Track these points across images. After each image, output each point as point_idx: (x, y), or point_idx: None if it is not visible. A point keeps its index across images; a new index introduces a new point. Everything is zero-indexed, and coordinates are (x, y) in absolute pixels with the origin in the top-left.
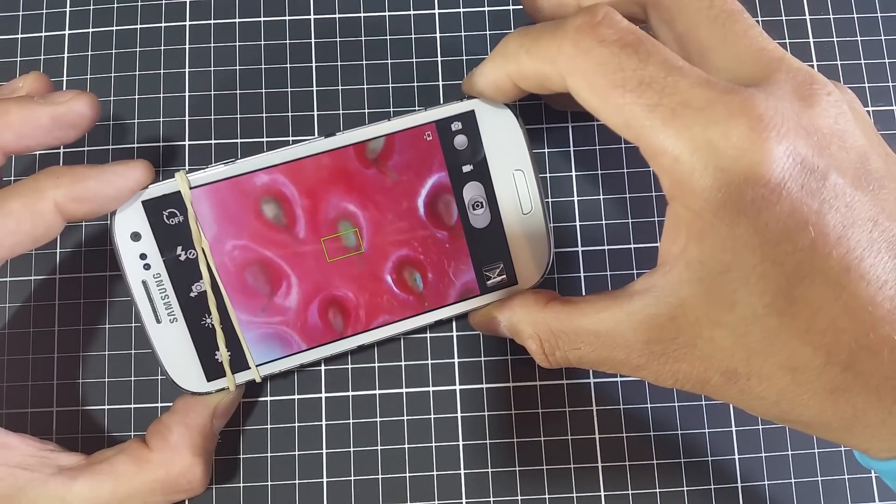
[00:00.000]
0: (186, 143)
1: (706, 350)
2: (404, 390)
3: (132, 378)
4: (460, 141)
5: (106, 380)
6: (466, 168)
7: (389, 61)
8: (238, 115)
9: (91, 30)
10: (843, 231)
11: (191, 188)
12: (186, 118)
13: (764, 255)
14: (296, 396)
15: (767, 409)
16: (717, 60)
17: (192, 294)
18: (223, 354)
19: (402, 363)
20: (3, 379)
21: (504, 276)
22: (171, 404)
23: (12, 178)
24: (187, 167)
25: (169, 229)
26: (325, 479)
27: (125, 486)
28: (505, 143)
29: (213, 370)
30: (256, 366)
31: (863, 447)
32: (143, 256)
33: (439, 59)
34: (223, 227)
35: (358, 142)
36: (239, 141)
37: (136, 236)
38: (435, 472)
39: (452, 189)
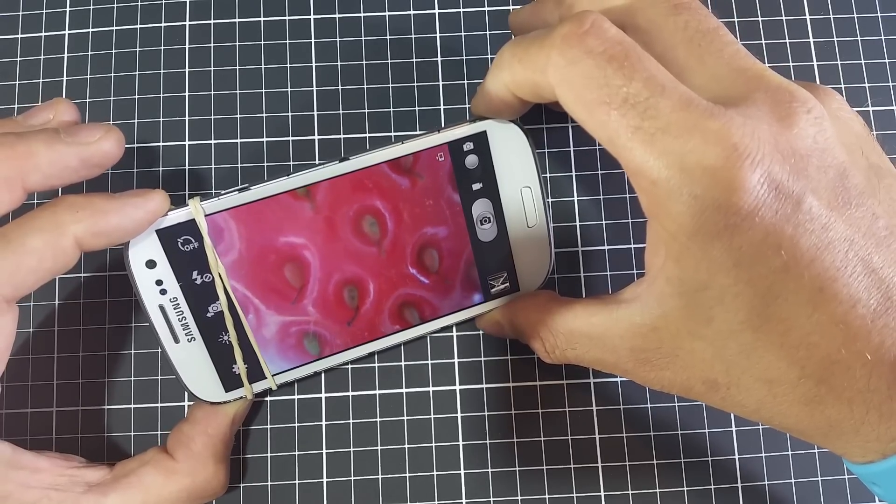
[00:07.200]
0: (186, 143)
1: (687, 360)
2: (404, 390)
3: (132, 378)
4: (471, 160)
5: (105, 380)
6: (476, 186)
7: (389, 61)
8: (238, 115)
9: (91, 30)
10: (816, 253)
11: (205, 216)
12: (186, 118)
13: (738, 276)
14: (296, 396)
15: (750, 415)
16: (695, 80)
17: (209, 314)
18: (241, 368)
19: (402, 363)
20: (2, 379)
21: (507, 283)
22: (170, 405)
23: None
24: (188, 167)
25: (184, 255)
26: (325, 480)
27: (154, 497)
28: (515, 162)
29: (230, 381)
30: (272, 375)
31: (839, 452)
32: (158, 282)
33: (439, 59)
34: (237, 248)
35: (370, 165)
36: (239, 141)
37: (151, 264)
38: (435, 472)
39: (462, 206)
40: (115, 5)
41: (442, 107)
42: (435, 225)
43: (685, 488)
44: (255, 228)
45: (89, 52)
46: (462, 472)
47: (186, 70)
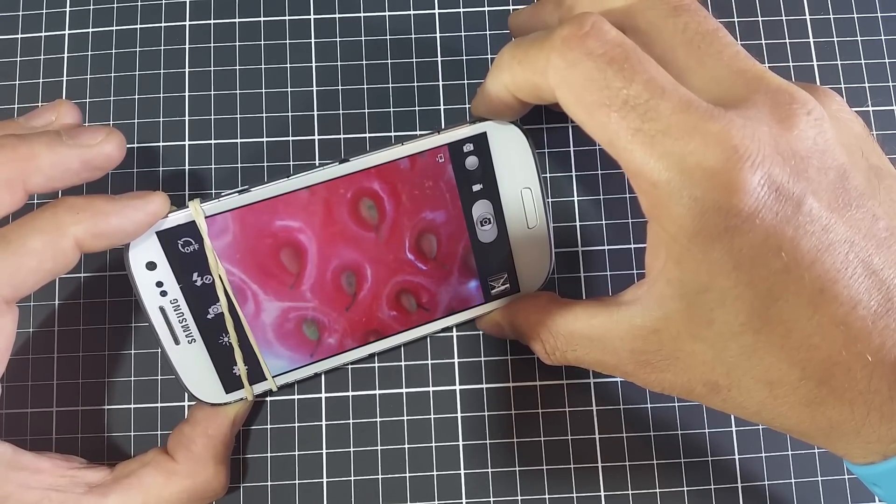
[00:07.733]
0: (186, 143)
1: (688, 362)
2: (404, 390)
3: (132, 378)
4: (471, 162)
5: (105, 380)
6: (476, 187)
7: (389, 61)
8: (238, 115)
9: (91, 30)
10: (817, 255)
11: (205, 217)
12: (186, 118)
13: (738, 278)
14: (296, 396)
15: (751, 417)
16: (695, 82)
17: (209, 316)
18: (241, 370)
19: (402, 363)
20: (3, 379)
21: (507, 284)
22: (170, 405)
23: None
24: (188, 167)
25: (184, 257)
26: (325, 480)
27: (154, 498)
28: (515, 163)
29: (231, 383)
30: (273, 376)
31: (841, 453)
32: (159, 284)
33: (439, 59)
34: (236, 249)
35: (370, 167)
36: (239, 141)
37: (151, 266)
38: (435, 472)
39: (462, 207)
40: (115, 5)
41: (442, 107)
42: (434, 214)
43: (685, 488)
44: (255, 227)
45: (89, 52)
46: (462, 472)
47: (186, 70)
